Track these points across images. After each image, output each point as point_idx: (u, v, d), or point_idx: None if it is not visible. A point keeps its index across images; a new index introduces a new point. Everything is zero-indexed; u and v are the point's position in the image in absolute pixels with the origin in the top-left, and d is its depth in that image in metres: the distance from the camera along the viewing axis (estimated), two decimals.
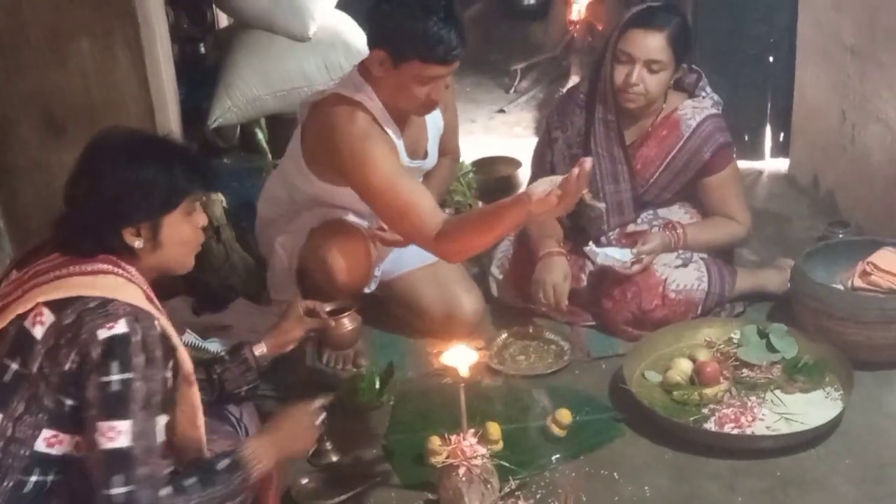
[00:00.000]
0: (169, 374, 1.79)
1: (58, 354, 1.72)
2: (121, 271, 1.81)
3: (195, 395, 1.90)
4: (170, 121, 3.08)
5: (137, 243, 1.85)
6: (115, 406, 1.70)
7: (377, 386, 2.68)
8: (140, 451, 1.71)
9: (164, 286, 2.93)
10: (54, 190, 2.84)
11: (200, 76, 3.96)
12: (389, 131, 2.62)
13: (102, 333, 1.70)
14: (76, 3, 2.78)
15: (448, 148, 3.03)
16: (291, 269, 2.86)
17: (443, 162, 3.02)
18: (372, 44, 2.54)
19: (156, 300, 1.86)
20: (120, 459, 1.70)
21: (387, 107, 2.61)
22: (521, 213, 2.20)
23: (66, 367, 1.71)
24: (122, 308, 1.74)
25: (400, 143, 2.69)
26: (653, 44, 2.79)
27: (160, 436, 1.76)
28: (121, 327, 1.71)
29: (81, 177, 1.85)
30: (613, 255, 2.80)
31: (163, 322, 1.81)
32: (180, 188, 1.87)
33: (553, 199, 2.12)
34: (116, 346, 1.71)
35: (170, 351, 1.80)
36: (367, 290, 2.92)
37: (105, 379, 1.70)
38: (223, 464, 1.87)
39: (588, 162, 2.12)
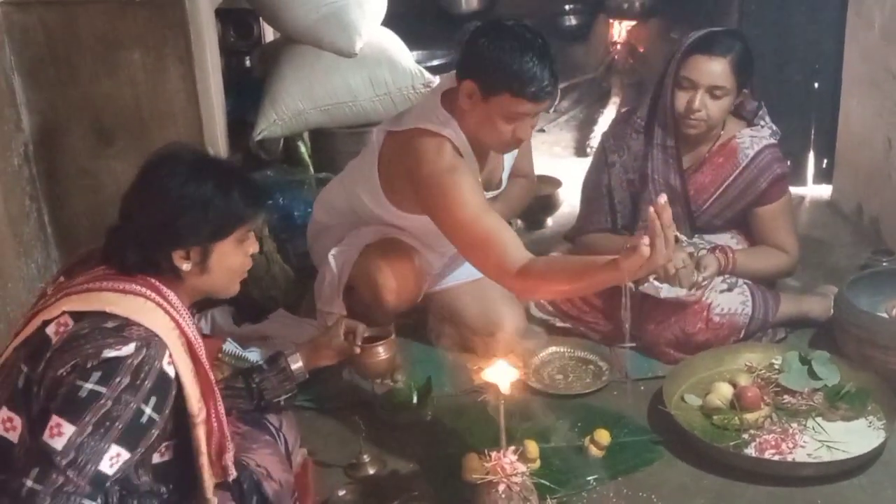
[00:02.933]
0: (149, 411, 1.72)
1: (60, 358, 1.71)
2: (153, 295, 1.79)
3: (198, 437, 1.85)
4: (217, 133, 3.11)
5: (185, 266, 1.83)
6: (72, 408, 1.68)
7: (415, 400, 2.69)
8: (66, 461, 1.65)
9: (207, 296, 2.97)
10: (102, 198, 2.94)
11: (246, 89, 4.01)
12: (472, 166, 2.61)
13: (107, 353, 1.69)
14: (129, 15, 2.83)
15: (522, 170, 3.05)
16: (341, 282, 2.86)
17: (518, 182, 3.04)
18: (463, 75, 2.53)
19: (187, 329, 1.82)
20: (45, 456, 1.66)
21: (470, 141, 2.60)
22: (615, 276, 2.15)
23: (59, 371, 1.70)
24: (136, 333, 1.72)
25: (478, 177, 2.68)
26: (716, 70, 2.77)
27: (105, 465, 1.68)
28: (126, 350, 1.70)
29: (139, 192, 1.85)
30: (675, 288, 2.79)
31: (176, 356, 1.77)
32: (236, 215, 1.86)
33: (643, 251, 2.03)
34: (109, 363, 1.69)
35: (167, 389, 1.75)
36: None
37: (79, 383, 1.68)
38: None
39: (662, 198, 2.07)
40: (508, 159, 2.89)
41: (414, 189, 2.59)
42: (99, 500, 1.71)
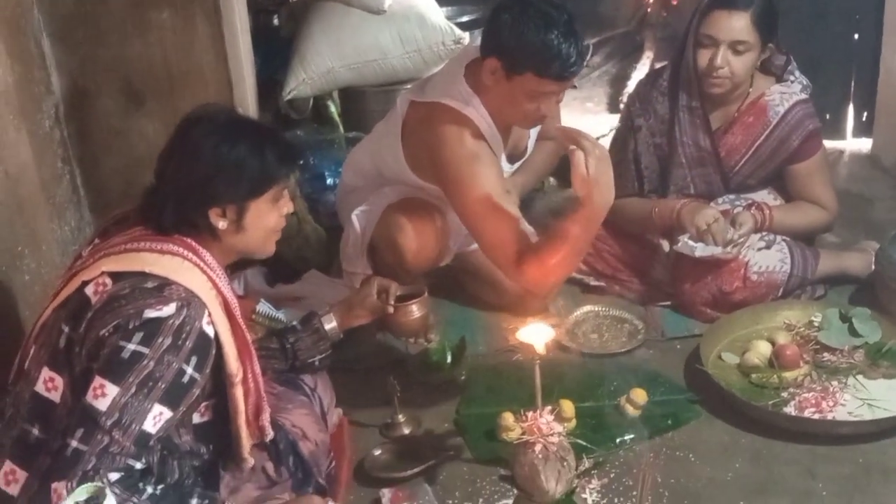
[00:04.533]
0: (190, 370, 1.75)
1: (101, 319, 1.72)
2: (190, 255, 1.81)
3: (235, 397, 1.87)
4: (246, 92, 3.09)
5: (221, 224, 1.85)
6: (115, 369, 1.70)
7: (449, 360, 2.68)
8: (111, 422, 1.68)
9: (240, 257, 2.97)
10: (133, 159, 2.93)
11: (274, 48, 3.98)
12: (494, 142, 2.59)
13: (148, 313, 1.71)
14: None
15: (549, 133, 2.98)
16: (364, 242, 2.86)
17: (544, 145, 3.00)
18: (486, 51, 2.47)
19: (223, 289, 1.85)
20: (89, 417, 1.68)
21: (494, 117, 2.57)
22: (589, 208, 2.21)
23: (101, 332, 1.72)
24: (177, 292, 1.74)
25: (501, 149, 2.67)
26: (737, 24, 2.71)
27: (148, 424, 1.71)
28: (167, 310, 1.72)
29: (174, 152, 1.86)
30: (710, 247, 2.75)
31: (214, 316, 1.79)
32: (270, 174, 1.87)
33: (577, 155, 2.16)
34: (151, 323, 1.71)
35: (207, 348, 1.78)
36: (441, 264, 2.92)
37: (122, 343, 1.70)
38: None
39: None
40: (535, 128, 2.84)
41: (433, 166, 2.58)
42: (142, 460, 1.73)
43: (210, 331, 1.78)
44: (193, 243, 1.84)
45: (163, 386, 1.72)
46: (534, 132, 2.87)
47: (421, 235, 2.73)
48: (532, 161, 2.98)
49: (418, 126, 2.64)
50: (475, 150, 2.51)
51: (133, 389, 1.69)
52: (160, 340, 1.71)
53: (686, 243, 2.77)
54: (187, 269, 1.79)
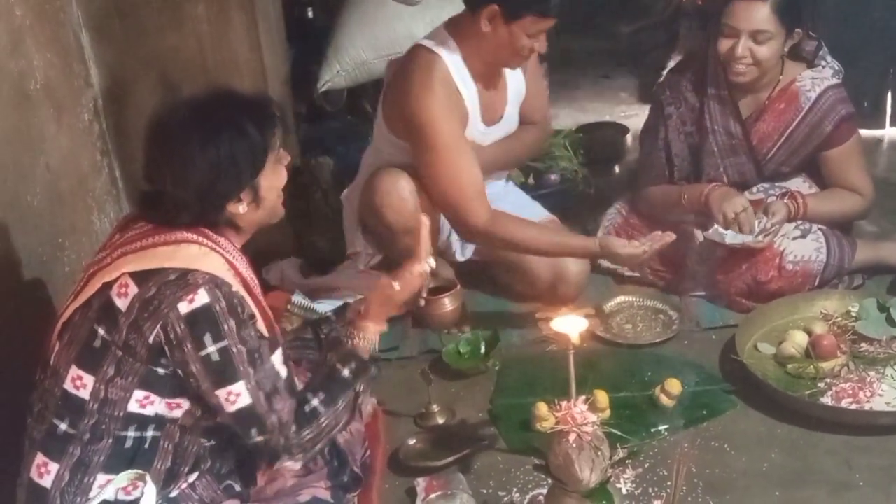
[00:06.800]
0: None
1: (142, 327, 1.75)
2: (204, 240, 1.83)
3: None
4: (281, 84, 3.11)
5: (241, 209, 1.87)
6: (223, 373, 1.75)
7: (482, 351, 2.69)
8: (263, 401, 1.77)
9: (275, 248, 3.00)
10: None
11: (309, 40, 4.00)
12: (465, 90, 2.63)
13: (183, 308, 1.73)
14: None
15: (535, 115, 2.95)
16: (355, 219, 2.90)
17: (528, 128, 2.95)
18: (482, 1, 2.51)
19: (241, 270, 1.87)
20: (248, 417, 1.78)
21: (468, 63, 2.62)
22: (589, 254, 2.63)
23: (151, 340, 1.75)
24: (200, 277, 1.75)
25: (476, 105, 2.69)
26: (756, 14, 2.70)
27: (282, 371, 1.83)
28: (201, 298, 1.74)
29: (163, 166, 1.83)
30: (741, 235, 2.74)
31: (241, 293, 1.82)
32: (263, 146, 1.86)
33: (638, 253, 2.53)
34: (201, 319, 1.73)
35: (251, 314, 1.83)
36: (461, 259, 2.95)
37: (203, 353, 1.74)
38: (347, 371, 1.92)
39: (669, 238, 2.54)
40: (514, 95, 2.83)
41: (401, 113, 2.61)
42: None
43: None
44: (206, 230, 1.85)
45: (260, 345, 1.80)
46: (513, 101, 2.84)
47: (393, 190, 2.70)
48: (511, 140, 2.91)
49: (394, 76, 2.70)
50: (442, 92, 2.57)
51: (252, 374, 1.77)
52: (226, 327, 1.75)
53: (716, 230, 2.76)
54: (204, 255, 1.81)
